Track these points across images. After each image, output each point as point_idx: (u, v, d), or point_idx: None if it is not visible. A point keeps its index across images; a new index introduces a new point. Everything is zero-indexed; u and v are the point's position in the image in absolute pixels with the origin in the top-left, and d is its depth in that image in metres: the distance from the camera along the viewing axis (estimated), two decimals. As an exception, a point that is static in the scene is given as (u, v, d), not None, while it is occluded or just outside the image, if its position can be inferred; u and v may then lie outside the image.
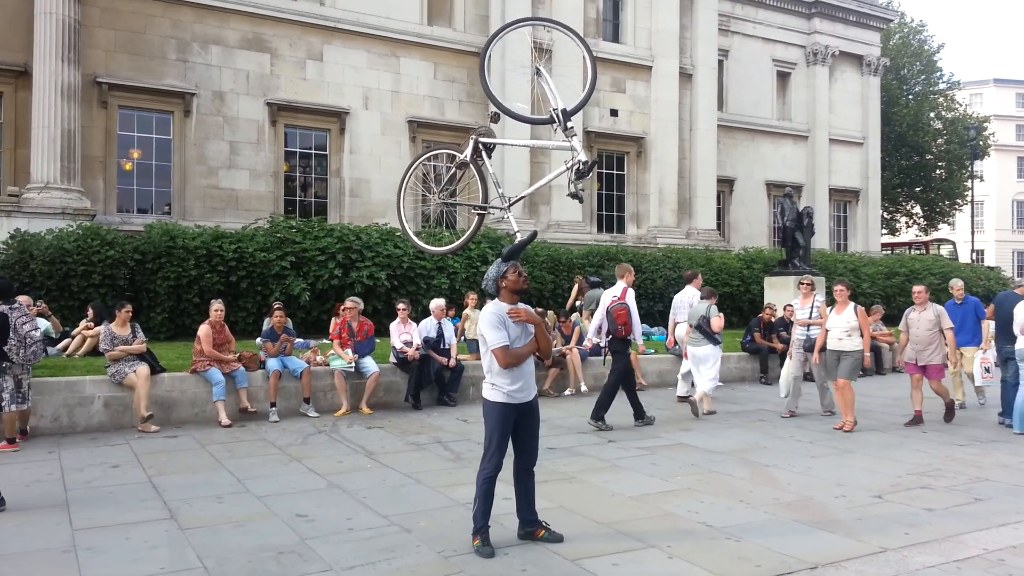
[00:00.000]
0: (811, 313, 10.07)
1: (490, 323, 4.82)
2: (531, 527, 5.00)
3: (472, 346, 11.45)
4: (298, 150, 18.93)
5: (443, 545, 4.85)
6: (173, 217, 16.54)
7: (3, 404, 7.51)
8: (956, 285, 10.76)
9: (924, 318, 9.34)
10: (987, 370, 10.05)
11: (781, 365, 13.45)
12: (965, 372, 10.46)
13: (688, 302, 10.76)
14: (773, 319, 13.83)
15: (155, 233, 13.40)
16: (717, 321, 9.86)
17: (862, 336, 9.14)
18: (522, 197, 5.81)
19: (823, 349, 9.38)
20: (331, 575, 4.35)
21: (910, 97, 36.77)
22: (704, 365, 9.87)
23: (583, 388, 11.52)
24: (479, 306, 11.42)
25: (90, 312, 11.53)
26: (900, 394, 11.07)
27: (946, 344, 9.33)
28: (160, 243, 13.13)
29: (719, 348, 9.96)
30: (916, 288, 9.72)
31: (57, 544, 4.84)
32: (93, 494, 6.01)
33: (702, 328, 9.84)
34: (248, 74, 17.93)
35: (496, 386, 4.84)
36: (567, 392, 11.50)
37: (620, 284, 9.39)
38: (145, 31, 16.80)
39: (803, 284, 10.50)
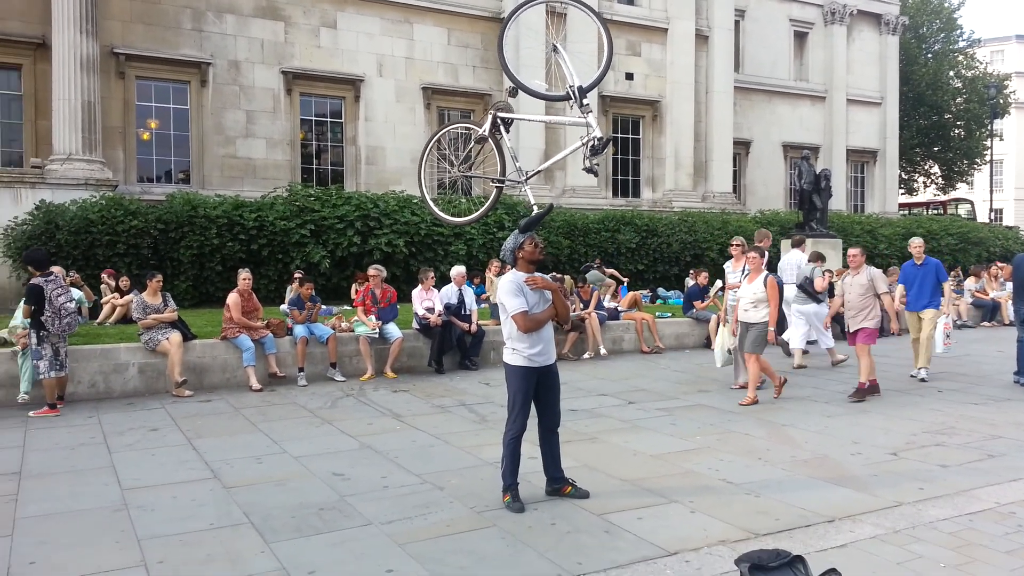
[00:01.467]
0: (741, 276, 9.21)
1: (508, 291, 5.01)
2: (558, 484, 5.21)
3: (494, 311, 11.65)
4: (313, 118, 19.00)
5: (475, 501, 5.08)
6: (192, 187, 16.73)
7: (42, 371, 7.80)
8: (915, 243, 10.06)
9: (856, 283, 8.85)
10: (947, 336, 9.74)
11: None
12: (925, 337, 9.74)
13: (796, 264, 11.39)
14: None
15: (177, 203, 13.61)
16: (820, 282, 10.75)
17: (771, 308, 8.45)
18: (539, 171, 5.97)
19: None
20: (371, 529, 4.59)
21: (929, 56, 36.19)
22: (800, 321, 10.79)
23: (602, 351, 11.71)
24: (501, 273, 11.59)
25: (114, 276, 11.87)
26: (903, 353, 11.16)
27: (883, 309, 8.86)
28: (182, 213, 13.34)
29: (823, 306, 10.95)
30: (851, 251, 9.12)
31: (108, 503, 5.10)
32: (136, 456, 6.27)
33: (805, 288, 10.77)
34: (263, 42, 17.96)
35: (517, 351, 5.04)
36: (586, 356, 11.69)
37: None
38: (160, 1, 16.84)
39: (734, 245, 9.76)
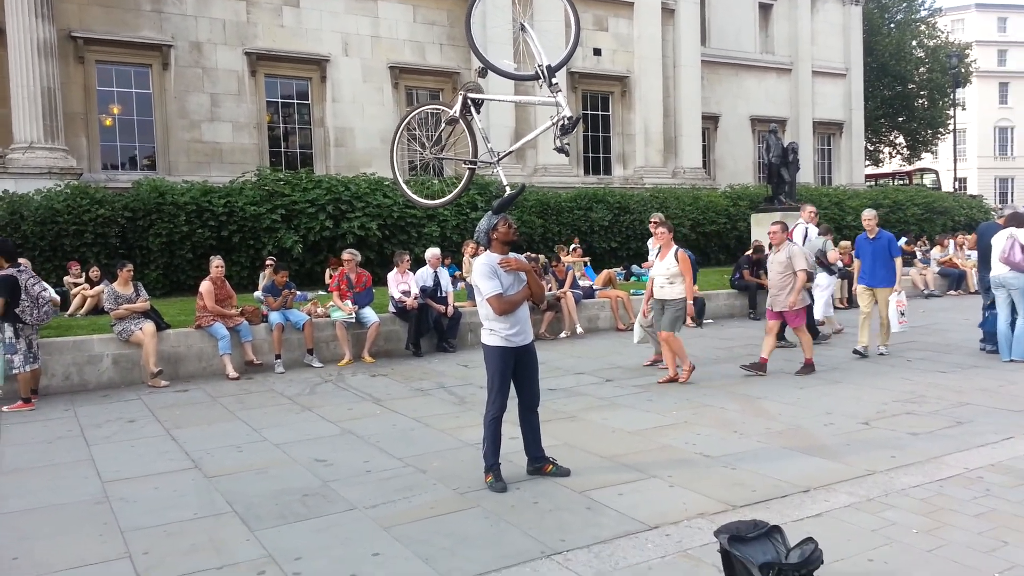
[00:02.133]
0: (655, 254, 8.95)
1: (483, 273, 5.04)
2: (539, 463, 5.28)
3: (471, 291, 11.67)
4: (280, 100, 18.79)
5: (457, 483, 5.13)
6: (158, 173, 16.49)
7: (16, 366, 7.69)
8: (867, 216, 9.78)
9: (776, 260, 8.65)
10: (902, 314, 9.61)
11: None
12: (883, 316, 9.59)
13: (802, 235, 11.00)
14: (762, 256, 14.06)
15: (144, 190, 13.42)
16: (833, 254, 11.11)
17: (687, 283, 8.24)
18: (510, 152, 5.99)
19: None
20: (356, 513, 4.62)
21: (892, 26, 36.54)
22: (818, 291, 10.89)
23: (579, 330, 11.80)
24: (477, 253, 11.60)
25: (79, 269, 11.71)
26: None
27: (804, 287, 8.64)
28: (149, 200, 13.17)
29: (834, 277, 11.40)
30: (771, 227, 8.85)
31: (89, 496, 5.07)
32: (115, 448, 6.23)
33: (820, 260, 10.94)
34: (224, 23, 17.65)
35: (494, 331, 5.08)
36: (563, 335, 11.77)
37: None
38: (118, -18, 16.46)
39: (652, 223, 9.34)
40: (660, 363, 8.91)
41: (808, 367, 8.61)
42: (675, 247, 8.33)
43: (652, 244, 9.61)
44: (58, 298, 10.65)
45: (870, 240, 9.71)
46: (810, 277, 9.58)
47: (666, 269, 8.24)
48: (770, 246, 9.10)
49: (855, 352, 9.53)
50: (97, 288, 10.91)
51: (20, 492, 5.19)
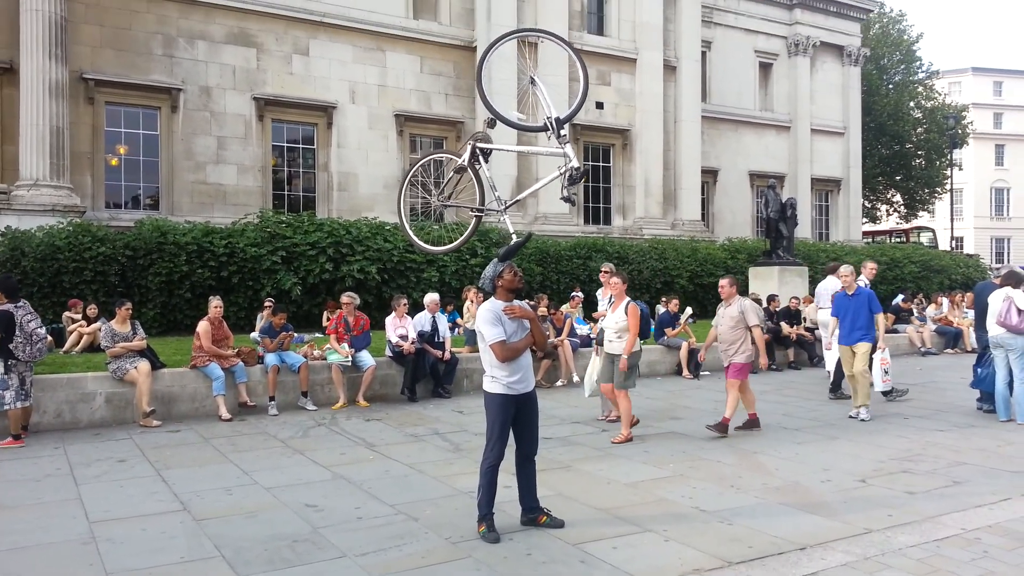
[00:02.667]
0: (607, 304, 8.75)
1: (487, 320, 5.05)
2: (533, 513, 5.22)
3: (470, 337, 11.66)
4: (285, 144, 19.02)
5: (450, 532, 5.06)
6: (161, 212, 16.61)
7: (7, 402, 7.64)
8: (844, 272, 9.32)
9: (727, 314, 8.38)
10: (886, 372, 9.38)
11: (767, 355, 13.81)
12: (859, 373, 9.03)
13: (832, 290, 11.00)
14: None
15: (146, 229, 13.49)
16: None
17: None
18: (518, 200, 6.07)
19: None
20: (345, 561, 4.55)
21: (890, 87, 37.21)
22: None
23: (575, 378, 11.75)
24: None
25: (81, 307, 11.67)
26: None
27: (753, 343, 8.30)
28: (151, 239, 13.23)
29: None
30: (721, 282, 8.61)
31: (76, 536, 5.00)
32: (104, 488, 6.16)
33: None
34: (235, 69, 17.97)
35: (496, 379, 5.06)
36: (559, 383, 11.72)
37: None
38: (131, 27, 16.80)
39: (604, 272, 9.14)
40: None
41: (748, 424, 8.37)
42: (627, 299, 8.08)
43: (602, 293, 9.34)
44: (49, 337, 10.62)
45: (849, 297, 9.26)
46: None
47: (615, 323, 7.99)
48: (811, 295, 8.96)
49: (851, 418, 9.09)
50: (94, 325, 10.89)
51: (8, 530, 5.12)
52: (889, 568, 4.44)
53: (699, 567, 4.46)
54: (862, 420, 8.96)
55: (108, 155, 16.86)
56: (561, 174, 5.12)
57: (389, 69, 19.86)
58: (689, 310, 13.83)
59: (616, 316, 7.99)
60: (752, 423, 8.49)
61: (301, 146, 19.21)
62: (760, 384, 11.59)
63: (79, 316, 11.70)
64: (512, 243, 5.25)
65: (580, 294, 14.30)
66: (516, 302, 5.20)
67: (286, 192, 18.99)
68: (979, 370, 9.56)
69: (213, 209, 17.30)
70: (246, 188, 18.06)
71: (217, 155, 17.78)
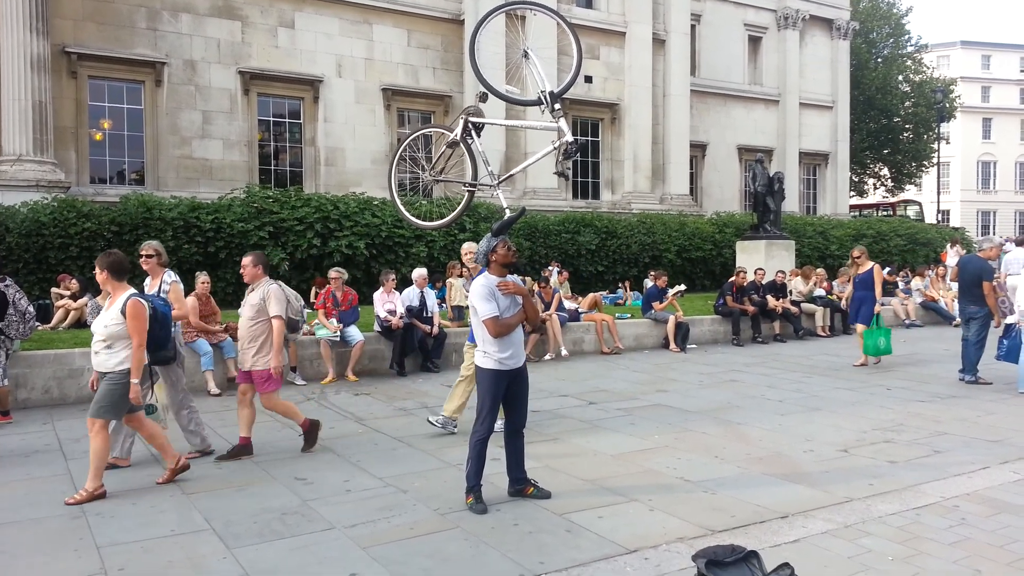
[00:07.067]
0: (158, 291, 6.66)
1: (481, 295, 5.06)
2: (521, 485, 5.28)
3: (457, 313, 11.70)
4: (271, 119, 18.84)
5: (438, 503, 5.12)
6: (147, 188, 16.47)
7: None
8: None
9: (247, 301, 6.39)
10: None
11: (753, 327, 13.93)
12: None
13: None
14: (745, 283, 14.19)
15: (131, 204, 13.40)
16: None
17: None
18: (511, 175, 6.03)
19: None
20: (335, 533, 4.61)
21: (879, 60, 37.15)
22: None
23: (563, 352, 11.82)
24: (462, 275, 11.64)
25: (70, 282, 11.60)
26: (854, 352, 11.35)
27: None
28: (137, 214, 13.14)
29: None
30: (244, 260, 6.65)
31: (66, 511, 5.03)
32: (93, 463, 6.17)
33: None
34: (219, 42, 17.74)
35: (488, 354, 5.10)
36: (547, 357, 11.79)
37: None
38: (113, 0, 16.53)
39: (466, 254, 7.76)
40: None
41: (239, 450, 6.25)
42: (129, 293, 5.55)
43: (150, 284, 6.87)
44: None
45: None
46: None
47: (104, 327, 5.35)
48: (799, 267, 8.86)
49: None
50: (80, 301, 10.85)
51: (-4, 506, 5.15)
52: (869, 535, 4.53)
53: (683, 535, 4.54)
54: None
55: (92, 130, 16.67)
56: (555, 148, 5.12)
57: (376, 43, 19.66)
58: (682, 287, 13.90)
59: (111, 314, 5.41)
60: (245, 448, 6.34)
61: (287, 120, 19.04)
62: (746, 356, 11.71)
63: (68, 292, 11.64)
64: (505, 218, 5.23)
65: (560, 269, 14.34)
66: (510, 277, 5.21)
67: (273, 167, 18.85)
68: (1005, 341, 9.53)
69: (199, 184, 17.18)
70: (232, 163, 17.92)
71: (202, 130, 17.61)
